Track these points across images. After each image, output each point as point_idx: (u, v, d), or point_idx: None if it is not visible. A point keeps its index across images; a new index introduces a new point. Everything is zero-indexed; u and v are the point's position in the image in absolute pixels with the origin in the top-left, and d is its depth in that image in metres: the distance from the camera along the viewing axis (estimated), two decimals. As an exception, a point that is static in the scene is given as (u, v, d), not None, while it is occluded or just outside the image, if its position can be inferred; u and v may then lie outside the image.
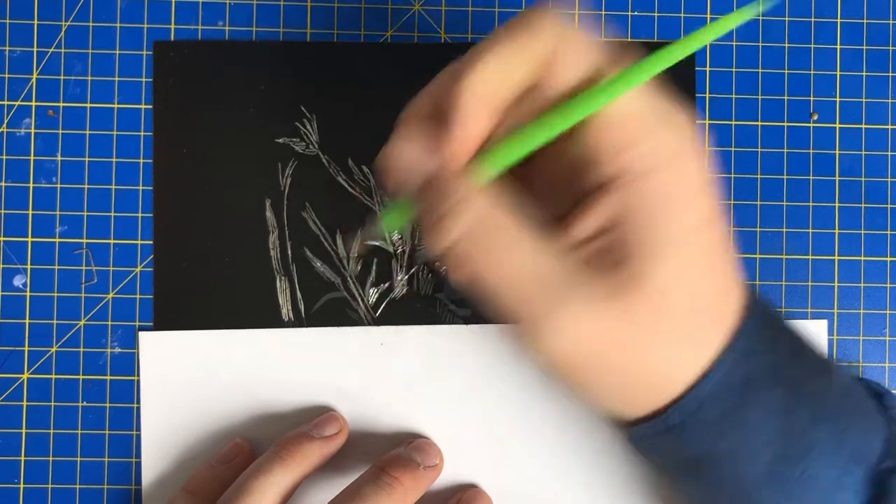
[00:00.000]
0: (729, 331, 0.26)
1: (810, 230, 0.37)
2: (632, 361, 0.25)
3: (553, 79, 0.24)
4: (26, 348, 0.37)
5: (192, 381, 0.36)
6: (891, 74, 0.38)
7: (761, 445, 0.26)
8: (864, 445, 0.26)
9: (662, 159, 0.24)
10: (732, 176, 0.37)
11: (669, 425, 0.26)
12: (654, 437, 0.27)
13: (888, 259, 0.37)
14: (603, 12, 0.38)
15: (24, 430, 0.36)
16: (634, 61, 0.24)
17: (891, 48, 0.38)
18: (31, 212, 0.37)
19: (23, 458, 0.36)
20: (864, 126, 0.38)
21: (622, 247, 0.24)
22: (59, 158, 0.37)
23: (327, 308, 0.37)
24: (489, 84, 0.24)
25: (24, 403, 0.36)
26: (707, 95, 0.37)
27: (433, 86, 0.26)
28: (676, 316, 0.25)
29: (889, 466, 0.26)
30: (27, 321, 0.37)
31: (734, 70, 0.38)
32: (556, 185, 0.26)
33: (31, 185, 0.37)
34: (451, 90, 0.24)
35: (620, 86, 0.24)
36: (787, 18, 0.38)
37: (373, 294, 0.37)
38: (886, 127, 0.38)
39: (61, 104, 0.37)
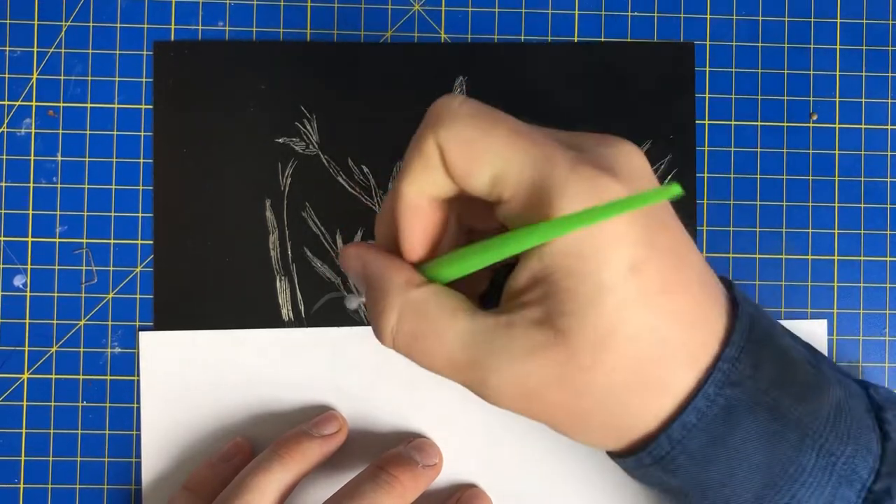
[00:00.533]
0: (705, 361, 0.25)
1: (810, 230, 0.37)
2: (593, 408, 0.25)
3: (466, 186, 0.25)
4: (26, 348, 0.37)
5: (192, 380, 0.36)
6: (890, 75, 0.38)
7: (748, 473, 0.25)
8: (855, 467, 0.26)
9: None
10: (732, 176, 0.37)
11: (652, 458, 0.26)
12: (638, 469, 0.27)
13: (888, 259, 0.37)
14: (603, 12, 0.38)
15: (24, 430, 0.36)
16: (565, 217, 0.23)
17: (890, 48, 0.38)
18: (31, 212, 0.37)
19: (23, 458, 0.36)
20: (863, 126, 0.38)
21: (554, 298, 0.24)
22: (60, 158, 0.37)
23: (327, 308, 0.37)
24: (412, 194, 0.26)
25: (25, 403, 0.36)
26: (707, 95, 0.38)
27: (384, 207, 0.29)
28: (624, 365, 0.24)
29: (883, 487, 0.26)
30: (27, 321, 0.37)
31: (734, 70, 0.38)
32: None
33: (31, 185, 0.37)
34: (390, 203, 0.27)
35: (552, 230, 0.23)
36: (786, 18, 0.38)
37: (373, 294, 0.37)
38: (886, 127, 0.38)
39: (61, 104, 0.37)
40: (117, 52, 0.37)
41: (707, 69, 0.38)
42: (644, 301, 0.24)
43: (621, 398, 0.25)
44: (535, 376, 0.24)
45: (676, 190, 0.21)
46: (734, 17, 0.38)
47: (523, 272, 0.25)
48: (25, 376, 0.37)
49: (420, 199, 0.26)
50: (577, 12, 0.38)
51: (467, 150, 0.24)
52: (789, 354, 0.27)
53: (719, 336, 0.26)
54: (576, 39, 0.38)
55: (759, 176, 0.37)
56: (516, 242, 0.24)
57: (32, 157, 0.37)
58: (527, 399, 0.25)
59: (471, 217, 0.28)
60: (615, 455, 0.27)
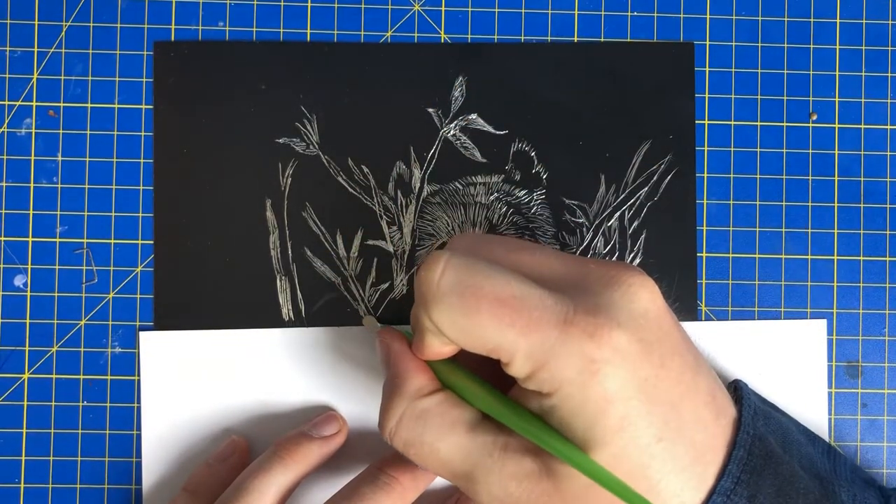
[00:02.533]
0: (700, 493, 0.26)
1: (809, 230, 0.37)
2: None
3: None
4: (27, 348, 0.37)
5: (192, 380, 0.36)
6: (890, 75, 0.38)
7: None
8: None
9: (565, 382, 0.25)
10: (732, 176, 0.37)
11: None
12: None
13: (887, 259, 0.37)
14: (603, 12, 0.38)
15: (24, 430, 0.36)
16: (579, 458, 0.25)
17: (890, 48, 0.38)
18: (31, 212, 0.37)
19: (23, 458, 0.36)
20: (863, 126, 0.38)
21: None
22: (60, 158, 0.37)
23: (327, 308, 0.37)
24: (431, 354, 0.28)
25: (25, 403, 0.37)
26: (707, 95, 0.38)
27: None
28: None
29: None
30: (28, 321, 0.37)
31: (734, 70, 0.38)
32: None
33: (31, 185, 0.37)
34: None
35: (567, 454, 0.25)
36: (786, 19, 0.38)
37: (373, 294, 0.37)
38: (885, 127, 0.38)
39: (62, 104, 0.37)
40: (117, 52, 0.37)
41: (707, 69, 0.38)
42: (638, 452, 0.25)
43: None
44: (523, 500, 0.26)
45: None
46: (734, 17, 0.38)
47: (527, 403, 0.26)
48: (26, 376, 0.37)
49: (436, 351, 0.28)
50: (576, 12, 0.38)
51: (457, 331, 0.26)
52: (793, 479, 0.27)
53: (718, 464, 0.26)
54: (576, 39, 0.38)
55: (758, 176, 0.38)
56: (528, 432, 0.25)
57: (33, 157, 0.37)
58: None
59: None
60: None
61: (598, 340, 0.24)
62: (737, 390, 0.30)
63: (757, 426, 0.27)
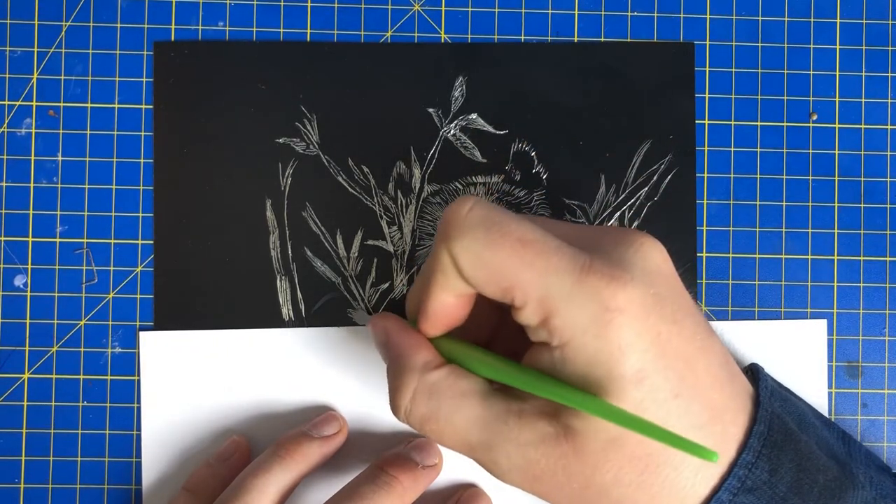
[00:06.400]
0: (720, 465, 0.25)
1: (810, 230, 0.37)
2: (599, 499, 0.25)
3: (477, 290, 0.26)
4: (27, 348, 0.37)
5: (192, 380, 0.36)
6: (890, 74, 0.38)
7: None
8: None
9: (578, 330, 0.24)
10: (732, 176, 0.37)
11: None
12: None
13: (887, 259, 0.37)
14: (603, 12, 0.38)
15: (24, 430, 0.36)
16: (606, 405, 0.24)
17: (890, 48, 0.38)
18: (31, 212, 0.37)
19: (23, 458, 0.36)
20: (863, 126, 0.38)
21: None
22: (60, 158, 0.37)
23: (327, 308, 0.37)
24: (436, 300, 0.27)
25: (25, 403, 0.37)
26: (707, 95, 0.38)
27: (415, 287, 0.30)
28: (632, 467, 0.25)
29: None
30: (28, 321, 0.37)
31: (734, 70, 0.38)
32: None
33: (31, 184, 0.37)
34: (420, 301, 0.28)
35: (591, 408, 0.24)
36: (786, 18, 0.38)
37: (373, 294, 0.37)
38: (886, 127, 0.38)
39: (62, 104, 0.37)
40: (117, 52, 0.37)
41: (707, 69, 0.38)
42: (655, 406, 0.24)
43: (628, 495, 0.25)
44: (542, 464, 0.25)
45: (712, 456, 0.22)
46: (734, 17, 0.38)
47: (538, 364, 0.26)
48: (26, 376, 0.37)
49: (445, 301, 0.27)
50: (576, 12, 0.38)
51: (476, 264, 0.25)
52: (812, 456, 0.27)
53: (737, 438, 0.26)
54: (576, 39, 0.38)
55: (758, 176, 0.38)
56: (541, 389, 0.25)
57: (33, 157, 0.37)
58: (534, 482, 0.26)
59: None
60: None
61: (614, 290, 0.24)
62: (754, 372, 0.29)
63: (774, 405, 0.27)
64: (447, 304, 0.27)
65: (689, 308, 0.26)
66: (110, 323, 0.37)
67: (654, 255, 0.26)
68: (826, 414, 0.37)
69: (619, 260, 0.25)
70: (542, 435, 0.25)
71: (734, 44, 0.38)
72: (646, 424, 0.22)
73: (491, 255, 0.25)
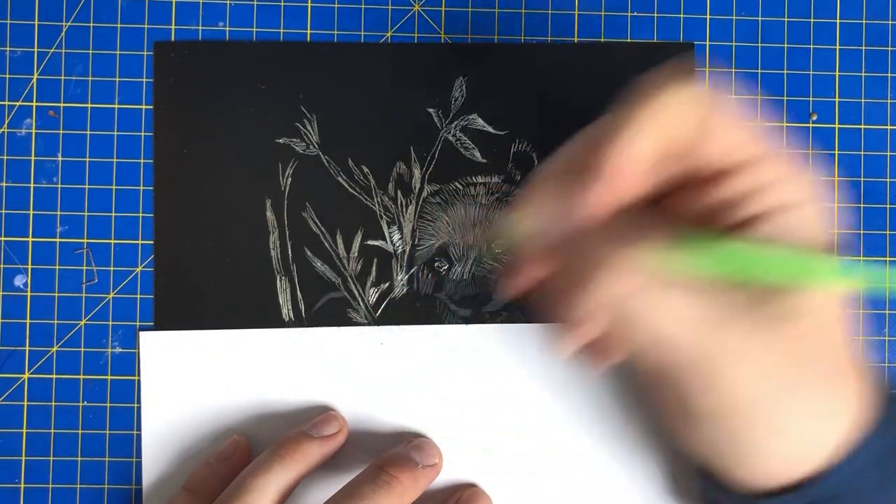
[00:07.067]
0: (862, 404, 0.26)
1: (810, 230, 0.37)
2: (781, 408, 0.25)
3: (698, 154, 0.25)
4: (27, 348, 0.37)
5: (192, 380, 0.36)
6: (890, 75, 0.38)
7: None
8: None
9: (801, 198, 0.25)
10: (732, 176, 0.37)
11: (809, 501, 0.26)
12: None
13: (887, 259, 0.37)
14: (603, 13, 0.38)
15: (24, 430, 0.36)
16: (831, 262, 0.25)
17: (890, 48, 0.38)
18: (31, 212, 0.37)
19: (23, 458, 0.36)
20: (863, 126, 0.38)
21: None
22: (60, 158, 0.37)
23: (327, 308, 0.37)
24: (638, 150, 0.24)
25: (25, 403, 0.37)
26: (706, 95, 0.37)
27: (573, 146, 0.27)
28: (824, 363, 0.25)
29: None
30: (28, 321, 0.37)
31: (734, 70, 0.38)
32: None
33: (31, 185, 0.37)
34: (600, 150, 0.25)
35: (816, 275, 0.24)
36: (786, 19, 0.38)
37: (373, 294, 0.37)
38: (885, 127, 0.38)
39: (62, 104, 0.37)
40: (118, 52, 0.37)
41: (707, 69, 0.38)
42: (838, 306, 0.26)
43: (806, 404, 0.25)
44: (760, 353, 0.25)
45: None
46: (734, 17, 0.38)
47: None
48: (26, 376, 0.37)
49: (638, 154, 0.24)
50: (577, 12, 0.38)
51: (709, 115, 0.25)
52: None
53: (866, 387, 0.27)
54: (576, 39, 0.38)
55: (758, 176, 0.37)
56: (779, 264, 0.24)
57: (33, 158, 0.37)
58: (750, 377, 0.25)
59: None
60: (757, 496, 0.27)
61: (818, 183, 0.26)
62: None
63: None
64: (640, 157, 0.24)
65: None
66: (110, 323, 0.37)
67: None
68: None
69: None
70: (763, 321, 0.25)
71: (734, 44, 0.38)
72: (874, 275, 0.23)
73: (722, 111, 0.25)
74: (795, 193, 0.25)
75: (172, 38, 0.37)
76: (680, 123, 0.24)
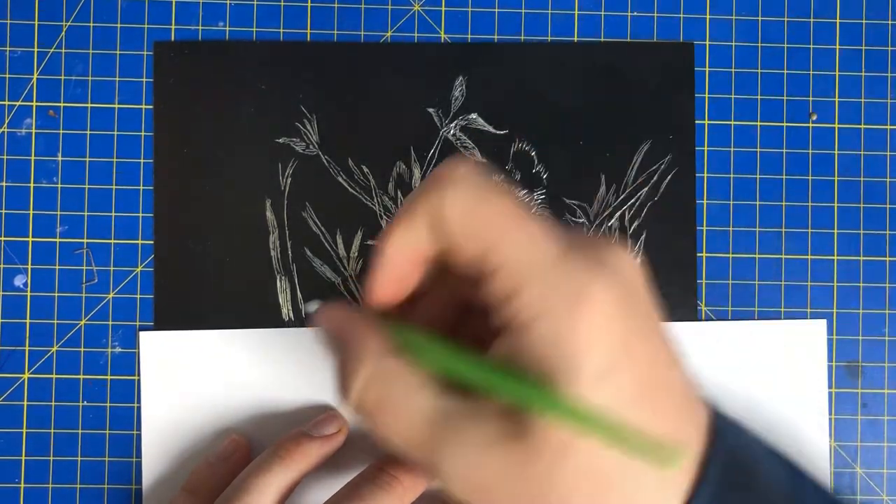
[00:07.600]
0: (676, 496, 0.24)
1: (809, 230, 0.37)
2: None
3: (456, 252, 0.25)
4: (27, 348, 0.37)
5: (192, 380, 0.36)
6: (889, 75, 0.38)
7: None
8: None
9: (546, 309, 0.23)
10: (732, 176, 0.37)
11: None
12: None
13: (887, 259, 0.37)
14: (603, 13, 0.38)
15: (24, 430, 0.36)
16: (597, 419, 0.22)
17: (889, 48, 0.38)
18: (31, 212, 0.37)
19: (23, 458, 0.36)
20: (862, 126, 0.38)
21: None
22: (60, 158, 0.37)
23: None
24: (400, 245, 0.25)
25: (25, 403, 0.37)
26: (706, 95, 0.38)
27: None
28: (588, 479, 0.23)
29: None
30: (28, 321, 0.37)
31: (733, 70, 0.38)
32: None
33: (31, 185, 0.37)
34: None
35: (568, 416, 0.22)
36: (786, 19, 0.38)
37: (373, 294, 0.37)
38: (885, 127, 0.38)
39: (62, 104, 0.37)
40: (118, 52, 0.37)
41: (707, 69, 0.38)
42: (619, 407, 0.23)
43: None
44: (491, 470, 0.23)
45: (672, 460, 0.21)
46: (734, 17, 0.38)
47: (495, 356, 0.24)
48: (26, 376, 0.37)
49: (403, 248, 0.25)
50: (576, 12, 0.38)
51: (466, 213, 0.24)
52: (768, 496, 0.25)
53: (692, 466, 0.24)
54: (576, 39, 0.38)
55: (758, 176, 0.38)
56: (491, 380, 0.23)
57: (33, 157, 0.37)
58: (478, 494, 0.24)
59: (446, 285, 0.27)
60: None
61: (592, 277, 0.23)
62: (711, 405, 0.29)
63: (731, 433, 0.26)
64: (405, 252, 0.25)
65: (656, 317, 0.25)
66: (110, 323, 0.37)
67: (628, 263, 0.24)
68: (826, 414, 0.37)
69: (597, 257, 0.24)
70: (491, 436, 0.23)
71: (734, 44, 0.38)
72: (604, 423, 0.21)
73: (483, 209, 0.24)
74: (543, 303, 0.23)
75: (172, 38, 0.37)
76: (447, 220, 0.24)
